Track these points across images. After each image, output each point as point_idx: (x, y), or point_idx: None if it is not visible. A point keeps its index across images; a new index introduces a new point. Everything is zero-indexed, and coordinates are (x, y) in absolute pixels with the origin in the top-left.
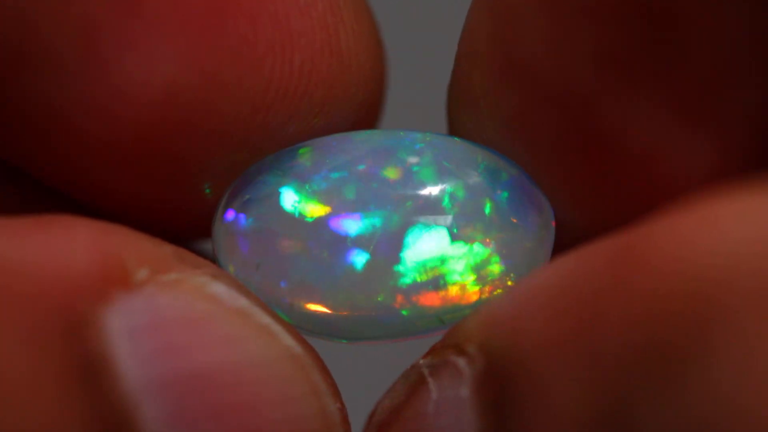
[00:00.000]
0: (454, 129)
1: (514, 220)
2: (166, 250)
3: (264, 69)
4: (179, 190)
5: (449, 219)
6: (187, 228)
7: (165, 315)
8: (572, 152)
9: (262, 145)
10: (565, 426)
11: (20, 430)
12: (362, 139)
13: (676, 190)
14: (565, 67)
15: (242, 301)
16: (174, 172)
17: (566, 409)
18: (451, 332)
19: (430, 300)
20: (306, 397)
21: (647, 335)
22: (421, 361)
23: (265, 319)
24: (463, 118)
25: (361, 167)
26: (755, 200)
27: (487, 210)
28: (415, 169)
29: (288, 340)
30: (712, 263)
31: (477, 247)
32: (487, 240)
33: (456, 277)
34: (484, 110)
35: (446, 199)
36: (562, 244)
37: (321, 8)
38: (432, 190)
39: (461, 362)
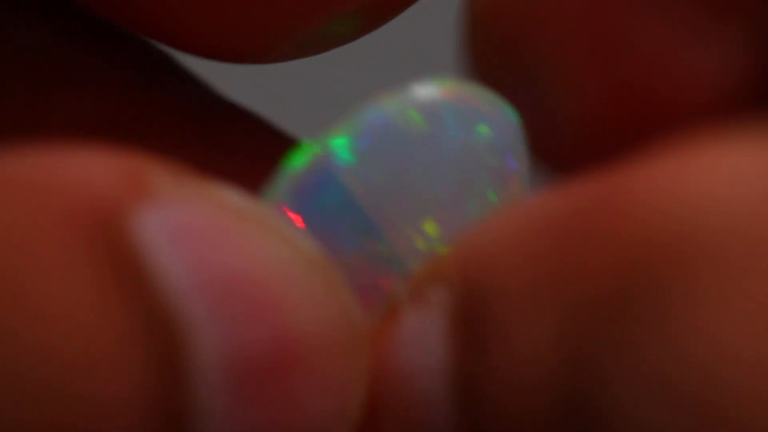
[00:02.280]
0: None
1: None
2: (179, 164)
3: None
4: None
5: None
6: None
7: (193, 223)
8: (581, 58)
9: None
10: (530, 370)
11: (60, 337)
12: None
13: (686, 100)
14: None
15: (261, 209)
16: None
17: (533, 354)
18: (430, 264)
19: None
20: (329, 299)
21: (623, 279)
22: (398, 292)
23: (285, 226)
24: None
25: None
26: (749, 149)
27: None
28: None
29: (308, 245)
30: (696, 207)
31: None
32: None
33: None
34: (495, 19)
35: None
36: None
37: None
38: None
39: (436, 295)
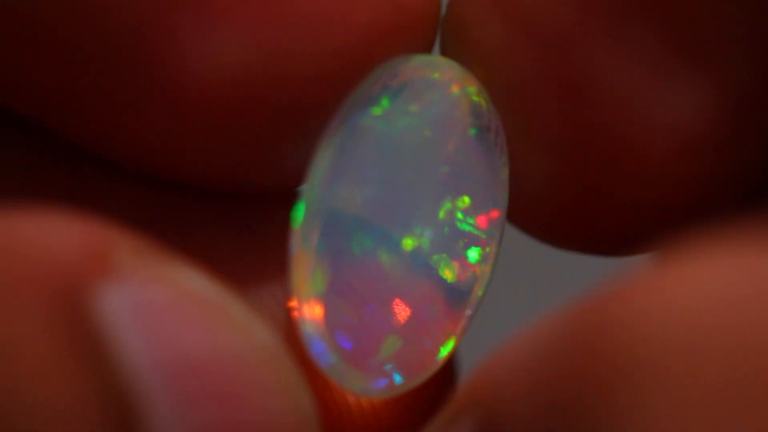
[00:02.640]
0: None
1: None
2: (142, 239)
3: (328, 35)
4: (249, 162)
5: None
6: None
7: (152, 305)
8: (546, 96)
9: (330, 107)
10: None
11: (13, 411)
12: None
13: (648, 148)
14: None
15: (218, 294)
16: (245, 148)
17: None
18: (456, 395)
19: None
20: (280, 391)
21: (566, 394)
22: (430, 425)
23: (242, 312)
24: (453, 52)
25: None
26: (727, 266)
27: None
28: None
29: (263, 333)
30: (633, 338)
31: None
32: None
33: None
34: (471, 44)
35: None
36: (522, 193)
37: None
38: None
39: (464, 425)
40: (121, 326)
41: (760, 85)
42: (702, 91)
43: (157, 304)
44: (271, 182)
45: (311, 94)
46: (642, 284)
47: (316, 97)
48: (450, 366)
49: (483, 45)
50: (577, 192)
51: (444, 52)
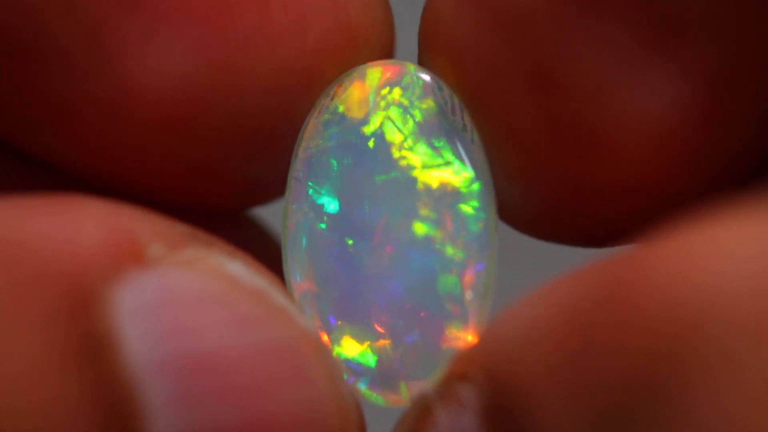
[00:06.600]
0: (422, 62)
1: None
2: (180, 228)
3: (277, 53)
4: (196, 178)
5: None
6: (205, 208)
7: (179, 294)
8: (518, 86)
9: (278, 126)
10: None
11: (17, 408)
12: None
13: (622, 137)
14: None
15: (258, 281)
16: (191, 162)
17: None
18: (457, 363)
19: None
20: (322, 379)
21: (629, 373)
22: (429, 392)
23: (281, 300)
24: (429, 51)
25: None
26: (749, 227)
27: None
28: None
29: (303, 321)
30: (692, 304)
31: None
32: None
33: None
34: (445, 39)
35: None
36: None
37: None
38: None
39: (468, 393)
40: (131, 324)
41: (731, 73)
42: (671, 78)
43: (182, 293)
44: (222, 199)
45: (259, 110)
46: (661, 248)
47: (264, 114)
48: None
49: (456, 38)
50: (554, 183)
51: (421, 57)
